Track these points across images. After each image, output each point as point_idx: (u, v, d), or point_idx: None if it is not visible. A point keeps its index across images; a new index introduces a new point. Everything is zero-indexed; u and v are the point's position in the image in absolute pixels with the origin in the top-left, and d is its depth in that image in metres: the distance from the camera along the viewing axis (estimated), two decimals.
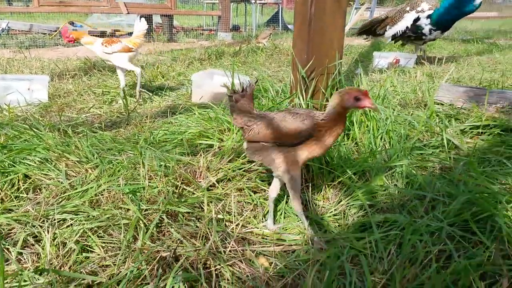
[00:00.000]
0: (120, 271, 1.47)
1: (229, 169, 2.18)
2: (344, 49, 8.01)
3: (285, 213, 1.91)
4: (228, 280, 1.44)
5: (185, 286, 1.37)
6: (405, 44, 5.78)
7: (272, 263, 1.55)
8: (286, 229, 1.80)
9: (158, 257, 1.50)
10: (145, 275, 1.42)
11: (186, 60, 6.28)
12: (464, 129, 2.87)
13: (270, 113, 1.66)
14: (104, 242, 1.67)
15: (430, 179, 1.96)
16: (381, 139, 2.40)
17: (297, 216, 1.85)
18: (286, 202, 1.95)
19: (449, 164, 2.26)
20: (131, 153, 2.38)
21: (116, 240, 1.67)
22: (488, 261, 1.47)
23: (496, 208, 1.65)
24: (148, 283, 1.39)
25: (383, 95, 2.61)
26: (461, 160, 2.26)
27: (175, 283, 1.35)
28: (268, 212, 1.82)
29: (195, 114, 3.08)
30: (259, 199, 1.97)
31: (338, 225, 1.81)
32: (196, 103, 3.84)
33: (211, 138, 2.59)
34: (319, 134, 1.53)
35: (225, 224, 1.80)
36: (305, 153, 1.58)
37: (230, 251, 1.59)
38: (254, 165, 2.22)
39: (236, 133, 2.46)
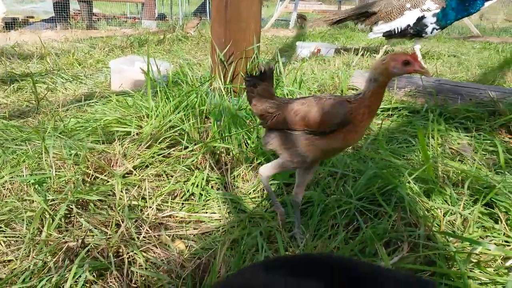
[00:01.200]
0: (22, 265, 1.36)
1: (147, 156, 2.10)
2: (269, 39, 8.07)
3: (207, 195, 1.89)
4: (141, 265, 1.39)
5: (94, 275, 1.30)
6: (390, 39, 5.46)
7: (188, 245, 1.53)
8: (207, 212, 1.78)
9: (65, 247, 1.40)
10: (50, 267, 1.32)
11: (106, 47, 5.96)
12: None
13: (296, 99, 1.49)
14: (6, 237, 1.53)
15: (342, 157, 2.06)
16: None
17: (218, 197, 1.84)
18: (207, 184, 1.93)
19: (360, 143, 2.39)
20: (38, 142, 2.20)
21: (19, 234, 1.54)
22: (392, 229, 1.58)
23: (400, 181, 1.78)
24: (53, 276, 1.29)
25: (299, 80, 2.67)
26: (373, 139, 2.40)
27: (82, 272, 1.28)
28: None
29: (112, 101, 2.93)
30: (177, 183, 1.93)
31: (257, 206, 1.83)
32: (115, 91, 3.65)
33: (129, 125, 2.48)
34: (355, 119, 1.33)
35: (141, 210, 1.73)
36: (338, 141, 1.38)
37: (144, 237, 1.54)
38: (173, 151, 2.17)
39: (155, 119, 2.38)
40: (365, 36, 8.68)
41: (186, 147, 2.16)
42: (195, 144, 2.14)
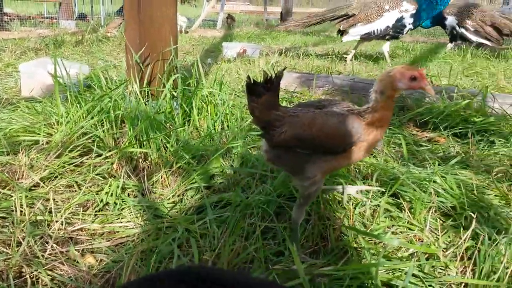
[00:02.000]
0: None
1: (57, 166, 1.97)
2: (196, 40, 7.97)
3: (122, 204, 1.81)
4: (46, 285, 1.30)
5: None
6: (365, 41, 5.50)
7: (99, 259, 1.45)
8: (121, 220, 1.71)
9: None
10: None
11: (18, 50, 5.50)
12: None
13: (305, 112, 1.33)
14: None
15: (261, 157, 2.09)
16: (220, 122, 2.47)
17: (136, 206, 1.77)
18: (123, 192, 1.85)
19: None
20: None
21: None
22: (308, 226, 1.63)
23: None
24: None
25: (220, 82, 2.67)
26: None
27: None
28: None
29: (20, 108, 2.71)
30: (89, 193, 1.83)
31: (176, 211, 1.79)
32: (25, 97, 3.38)
33: (38, 134, 2.30)
34: (367, 134, 1.27)
35: (48, 225, 1.61)
36: (349, 160, 1.32)
37: (50, 254, 1.44)
38: (86, 159, 2.05)
39: (66, 126, 2.23)
40: (291, 37, 8.94)
41: (100, 155, 2.06)
42: (109, 151, 2.04)
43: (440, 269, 1.44)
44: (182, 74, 2.82)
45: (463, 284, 1.34)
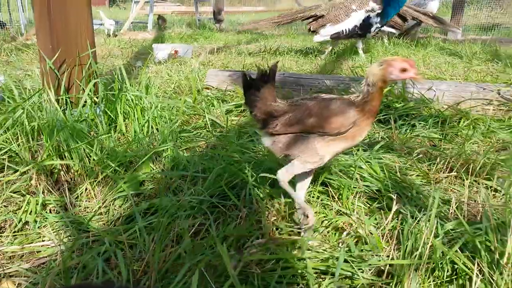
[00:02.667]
0: None
1: None
2: (126, 43, 7.68)
3: (43, 221, 1.68)
4: None
5: None
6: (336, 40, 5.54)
7: (16, 283, 1.33)
8: None
9: None
10: None
11: None
12: (230, 108, 3.14)
13: (303, 101, 1.44)
14: None
15: (192, 157, 2.05)
16: (148, 126, 2.39)
17: None
18: (44, 209, 1.72)
19: (213, 141, 2.42)
20: None
21: None
22: (242, 223, 1.62)
23: (246, 174, 1.83)
24: None
25: (146, 85, 2.58)
26: (225, 136, 2.45)
27: None
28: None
29: None
30: (6, 214, 1.68)
31: (103, 223, 1.70)
32: None
33: None
34: (359, 120, 1.37)
35: None
36: (349, 141, 1.43)
37: None
38: (2, 177, 1.88)
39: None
40: (223, 36, 8.92)
41: (16, 171, 1.90)
42: (26, 166, 1.89)
43: (368, 251, 1.50)
44: (106, 79, 2.70)
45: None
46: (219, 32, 9.81)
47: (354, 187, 1.83)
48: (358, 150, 2.28)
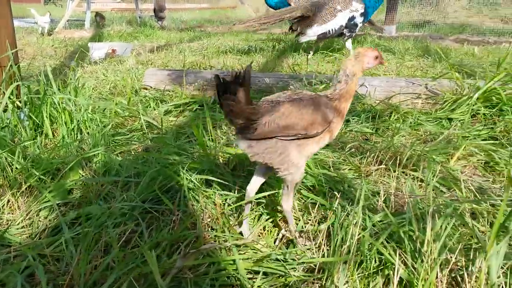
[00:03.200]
0: None
1: None
2: (61, 42, 7.27)
3: None
4: None
5: None
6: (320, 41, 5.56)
7: None
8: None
9: None
10: None
11: None
12: (169, 109, 3.07)
13: (278, 102, 1.40)
14: None
15: (125, 162, 1.97)
16: (77, 130, 2.27)
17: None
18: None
19: (149, 144, 2.35)
20: None
21: None
22: (174, 229, 1.58)
23: (181, 176, 1.80)
24: None
25: (74, 86, 2.45)
26: (161, 138, 2.39)
27: None
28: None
29: None
30: None
31: (27, 236, 1.59)
32: None
33: None
34: (337, 114, 1.40)
35: None
36: (327, 138, 1.44)
37: None
38: None
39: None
40: (165, 34, 8.72)
41: None
42: None
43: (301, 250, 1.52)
44: (34, 81, 2.53)
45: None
46: (161, 30, 9.57)
47: None
48: None
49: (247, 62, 5.08)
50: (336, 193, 1.82)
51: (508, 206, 1.63)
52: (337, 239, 1.42)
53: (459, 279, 1.19)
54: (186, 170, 1.86)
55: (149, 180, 1.78)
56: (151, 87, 3.53)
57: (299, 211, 1.74)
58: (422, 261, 1.27)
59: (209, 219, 1.64)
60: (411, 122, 2.75)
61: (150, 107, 3.04)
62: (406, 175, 2.05)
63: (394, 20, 8.05)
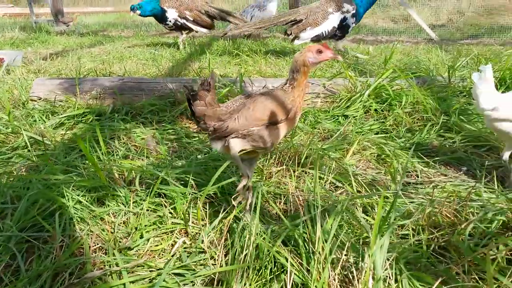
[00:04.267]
0: None
1: None
2: None
3: None
4: None
5: None
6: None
7: None
8: None
9: None
10: None
11: None
12: (60, 121, 2.81)
13: (241, 100, 1.58)
14: None
15: (1, 185, 1.74)
16: None
17: None
18: None
19: (35, 162, 2.11)
20: None
21: None
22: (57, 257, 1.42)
23: (65, 196, 1.63)
24: None
25: None
26: (48, 155, 2.16)
27: None
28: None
29: None
30: None
31: None
32: None
33: None
34: (294, 105, 1.57)
35: None
36: (290, 124, 1.62)
37: None
38: None
39: None
40: (64, 39, 8.09)
41: None
42: None
43: (204, 260, 1.46)
44: None
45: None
46: (60, 35, 8.87)
47: (192, 193, 1.78)
48: (198, 155, 2.26)
49: (152, 67, 4.90)
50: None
51: (394, 197, 1.73)
52: (236, 248, 1.39)
53: (350, 276, 1.22)
54: (74, 189, 1.70)
55: (29, 205, 1.58)
56: (41, 98, 3.21)
57: (201, 220, 1.68)
58: (314, 261, 1.28)
59: (99, 242, 1.50)
60: (311, 121, 2.83)
61: (39, 120, 2.75)
62: (306, 173, 2.09)
63: None
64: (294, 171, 2.06)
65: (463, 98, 2.86)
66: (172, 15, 6.46)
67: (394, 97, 2.91)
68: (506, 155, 1.99)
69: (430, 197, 1.65)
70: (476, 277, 1.27)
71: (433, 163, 2.21)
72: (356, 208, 1.63)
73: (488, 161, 2.21)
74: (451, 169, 2.19)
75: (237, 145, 1.55)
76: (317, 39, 5.37)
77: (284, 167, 2.10)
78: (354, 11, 5.26)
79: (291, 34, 5.42)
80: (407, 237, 1.48)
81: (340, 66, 4.58)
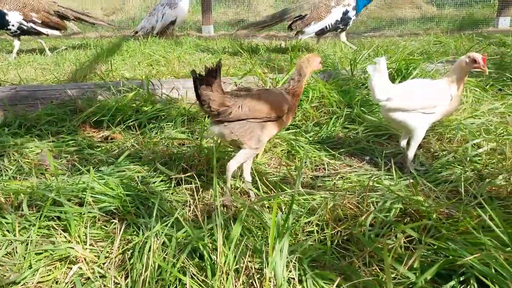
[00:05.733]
0: None
1: None
2: None
3: None
4: None
5: None
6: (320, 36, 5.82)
7: None
8: None
9: None
10: None
11: None
12: None
13: (247, 91, 1.74)
14: None
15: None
16: None
17: None
18: None
19: None
20: None
21: None
22: None
23: None
24: None
25: None
26: None
27: None
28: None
29: None
30: None
31: None
32: None
33: None
34: (292, 105, 1.77)
35: None
36: (285, 122, 1.80)
37: None
38: None
39: None
40: None
41: None
42: None
43: (104, 285, 1.34)
44: None
45: None
46: None
47: (89, 213, 1.63)
48: (101, 167, 2.09)
49: (53, 72, 4.50)
50: (144, 211, 1.69)
51: (292, 198, 1.74)
52: (135, 270, 1.29)
53: (255, 284, 1.19)
54: None
55: None
56: None
57: (102, 241, 1.55)
58: (219, 273, 1.23)
59: None
60: None
61: None
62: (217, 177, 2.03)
63: (210, 20, 8.27)
64: (205, 176, 1.99)
65: (365, 90, 3.00)
66: (15, 18, 5.59)
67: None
68: (403, 142, 2.12)
69: (333, 192, 1.69)
70: (377, 268, 1.31)
71: (338, 155, 2.28)
72: (265, 210, 1.61)
73: (388, 149, 2.33)
74: (355, 159, 2.28)
75: (234, 135, 1.69)
76: (321, 32, 5.63)
77: (191, 173, 2.02)
78: (354, 4, 5.52)
79: (295, 28, 5.64)
80: (312, 234, 1.49)
81: (253, 63, 4.60)
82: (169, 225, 1.50)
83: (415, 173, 1.91)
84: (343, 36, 5.76)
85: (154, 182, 1.98)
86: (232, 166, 1.76)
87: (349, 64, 3.36)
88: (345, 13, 5.51)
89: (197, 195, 1.80)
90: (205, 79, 1.60)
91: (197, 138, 2.55)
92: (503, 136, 2.30)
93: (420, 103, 1.95)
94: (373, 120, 2.59)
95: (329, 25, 5.51)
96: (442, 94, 1.95)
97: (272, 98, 1.71)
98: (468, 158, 2.07)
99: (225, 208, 1.71)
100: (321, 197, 1.68)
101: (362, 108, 2.71)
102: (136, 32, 7.59)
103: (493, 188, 1.79)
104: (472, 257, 1.13)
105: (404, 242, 1.42)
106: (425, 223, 1.42)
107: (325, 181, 2.02)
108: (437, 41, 5.48)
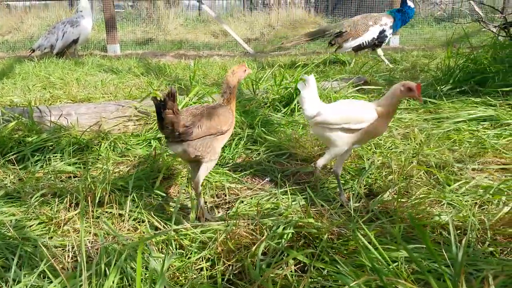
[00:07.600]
0: None
1: None
2: None
3: None
4: None
5: None
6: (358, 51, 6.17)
7: None
8: None
9: None
10: None
11: None
12: None
13: (196, 110, 1.84)
14: None
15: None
16: None
17: None
18: None
19: None
20: None
21: None
22: None
23: None
24: None
25: None
26: None
27: None
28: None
29: None
30: None
31: None
32: None
33: None
34: (233, 116, 1.94)
35: None
36: (230, 132, 1.94)
37: None
38: None
39: None
40: None
41: None
42: None
43: None
44: None
45: None
46: None
47: None
48: None
49: None
50: (14, 262, 1.47)
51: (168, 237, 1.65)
52: None
53: None
54: None
55: None
56: None
57: None
58: None
59: None
60: (120, 149, 2.61)
61: None
62: (107, 213, 1.87)
63: (116, 39, 7.94)
64: (91, 212, 1.82)
65: (267, 109, 3.03)
66: None
67: None
68: (321, 162, 2.05)
69: (226, 222, 1.63)
70: None
71: (240, 178, 2.24)
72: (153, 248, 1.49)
73: (287, 168, 2.35)
74: (256, 180, 2.26)
75: (198, 151, 1.76)
76: (357, 48, 6.10)
77: (79, 210, 1.83)
78: (391, 24, 5.98)
79: (335, 43, 6.10)
80: (202, 271, 1.40)
81: (159, 83, 4.46)
82: (42, 276, 1.32)
83: (312, 193, 1.91)
84: (379, 51, 6.24)
85: (30, 226, 1.75)
86: (200, 180, 1.84)
87: (251, 84, 3.39)
88: (382, 31, 6.04)
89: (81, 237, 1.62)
90: (167, 104, 1.66)
91: (90, 169, 2.35)
92: (391, 149, 2.45)
93: (345, 117, 1.93)
94: (273, 140, 2.61)
95: (365, 42, 6.00)
96: (366, 115, 1.92)
97: (221, 113, 1.85)
98: (361, 176, 2.14)
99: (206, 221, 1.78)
100: (213, 229, 1.60)
101: (262, 129, 2.72)
102: (33, 51, 7.00)
103: (384, 203, 1.86)
104: (354, 283, 1.13)
105: (298, 269, 1.40)
106: (312, 249, 1.41)
107: (225, 208, 1.96)
108: (336, 59, 5.85)
